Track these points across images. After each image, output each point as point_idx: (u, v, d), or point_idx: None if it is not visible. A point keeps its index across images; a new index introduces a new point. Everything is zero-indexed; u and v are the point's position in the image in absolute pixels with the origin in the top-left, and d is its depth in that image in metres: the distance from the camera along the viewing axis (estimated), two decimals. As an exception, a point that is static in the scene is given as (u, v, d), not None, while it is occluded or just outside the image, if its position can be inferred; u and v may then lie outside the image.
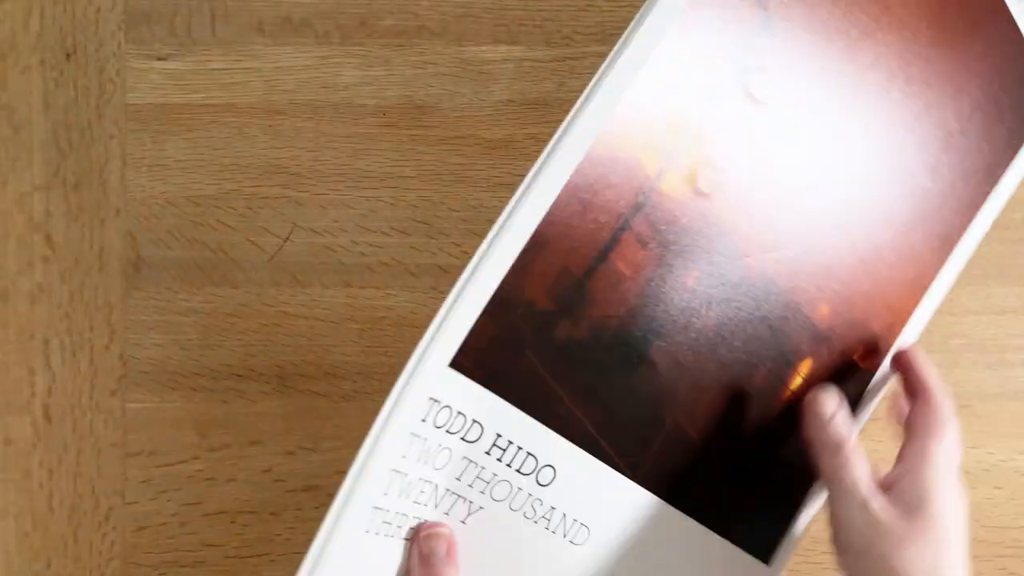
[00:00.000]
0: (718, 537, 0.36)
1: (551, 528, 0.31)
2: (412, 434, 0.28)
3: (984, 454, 0.46)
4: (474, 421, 0.29)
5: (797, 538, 0.38)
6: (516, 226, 0.28)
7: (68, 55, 0.46)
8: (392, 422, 0.27)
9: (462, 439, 0.29)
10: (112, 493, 0.46)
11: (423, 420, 0.28)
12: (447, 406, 0.28)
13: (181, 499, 0.46)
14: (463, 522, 0.30)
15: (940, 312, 0.46)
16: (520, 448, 0.30)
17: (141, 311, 0.46)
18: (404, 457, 0.28)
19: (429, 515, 0.30)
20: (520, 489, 0.31)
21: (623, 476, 0.32)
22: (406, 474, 0.28)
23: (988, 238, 0.46)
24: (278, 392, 0.46)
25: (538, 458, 0.31)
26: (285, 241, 0.46)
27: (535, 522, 0.31)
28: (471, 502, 0.30)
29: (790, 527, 0.38)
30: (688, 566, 0.36)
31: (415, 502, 0.29)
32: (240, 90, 0.46)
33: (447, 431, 0.29)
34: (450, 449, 0.29)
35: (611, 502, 0.32)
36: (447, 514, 0.30)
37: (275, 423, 0.46)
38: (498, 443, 0.30)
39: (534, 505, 0.31)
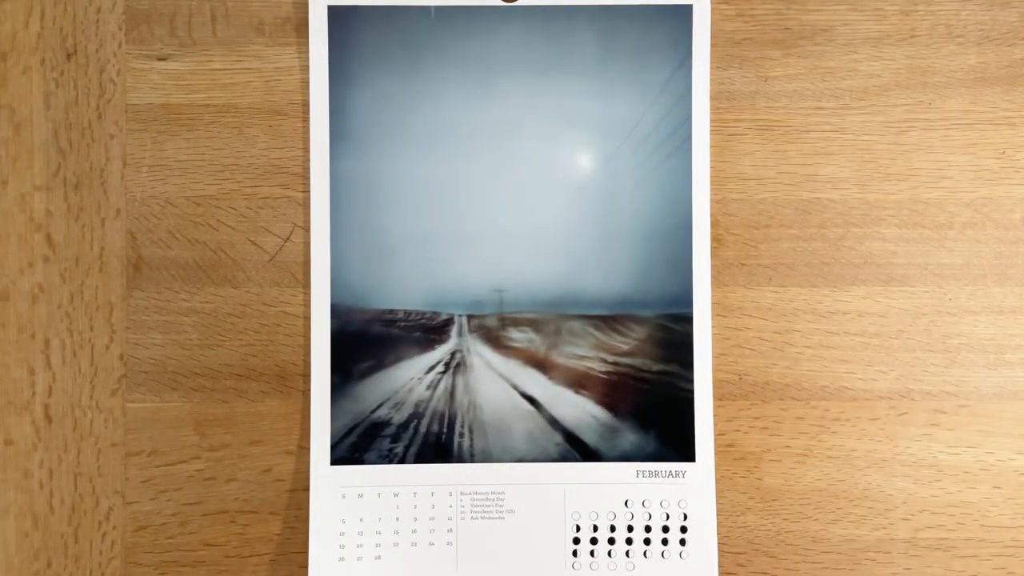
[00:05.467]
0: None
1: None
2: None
3: (983, 454, 0.46)
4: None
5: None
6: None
7: (69, 55, 0.46)
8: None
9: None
10: (112, 493, 0.46)
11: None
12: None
13: (181, 499, 0.46)
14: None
15: (939, 312, 0.46)
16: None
17: (141, 311, 0.46)
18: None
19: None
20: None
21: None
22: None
23: (987, 238, 0.46)
24: (278, 392, 0.46)
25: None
26: (285, 241, 0.46)
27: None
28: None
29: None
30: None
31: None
32: (240, 90, 0.46)
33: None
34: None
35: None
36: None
37: (275, 423, 0.46)
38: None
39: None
